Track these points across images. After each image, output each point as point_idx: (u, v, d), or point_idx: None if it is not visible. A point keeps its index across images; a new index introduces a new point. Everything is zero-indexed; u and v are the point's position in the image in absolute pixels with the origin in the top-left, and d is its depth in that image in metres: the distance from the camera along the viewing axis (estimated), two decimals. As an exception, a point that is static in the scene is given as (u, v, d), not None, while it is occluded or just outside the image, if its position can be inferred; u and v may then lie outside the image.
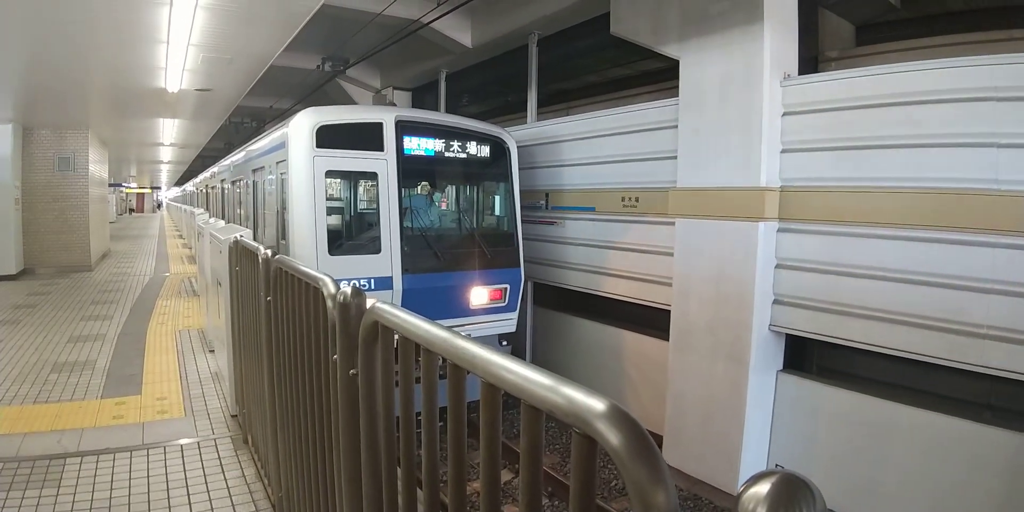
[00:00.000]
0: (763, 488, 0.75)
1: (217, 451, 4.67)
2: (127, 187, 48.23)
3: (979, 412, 6.08)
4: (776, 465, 7.46)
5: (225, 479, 4.19)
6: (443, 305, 8.56)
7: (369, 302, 2.01)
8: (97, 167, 16.51)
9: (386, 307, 1.82)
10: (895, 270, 6.27)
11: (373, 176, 8.43)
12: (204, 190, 25.64)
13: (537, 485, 1.17)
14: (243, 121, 22.59)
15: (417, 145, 8.74)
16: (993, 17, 7.08)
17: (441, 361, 1.53)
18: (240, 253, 4.40)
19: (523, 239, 9.76)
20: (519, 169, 9.80)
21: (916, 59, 6.42)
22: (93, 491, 3.97)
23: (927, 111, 6.06)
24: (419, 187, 9.30)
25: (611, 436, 0.92)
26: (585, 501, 1.03)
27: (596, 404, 0.97)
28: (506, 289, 9.25)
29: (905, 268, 6.20)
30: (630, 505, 0.87)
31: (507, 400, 1.34)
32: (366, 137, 8.35)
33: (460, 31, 12.75)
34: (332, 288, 2.23)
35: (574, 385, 1.04)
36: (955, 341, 5.85)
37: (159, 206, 68.67)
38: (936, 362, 6.06)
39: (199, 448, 4.72)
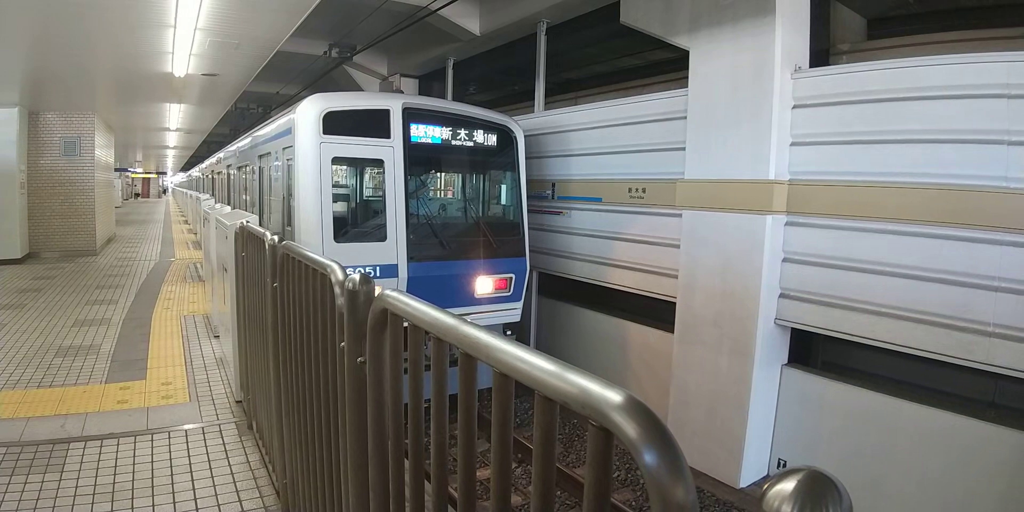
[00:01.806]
0: (789, 485, 0.73)
1: (222, 437, 4.68)
2: (133, 172, 48.24)
3: (983, 410, 6.06)
4: (779, 459, 7.46)
5: (229, 465, 4.20)
6: (448, 294, 8.55)
7: (377, 290, 2.00)
8: (103, 152, 16.51)
9: (395, 294, 1.80)
10: (902, 266, 6.24)
11: (379, 163, 8.41)
12: (210, 175, 25.65)
13: (550, 477, 1.16)
14: (249, 107, 22.55)
15: (424, 133, 8.71)
16: (1007, 13, 7.02)
17: (449, 349, 1.52)
18: (246, 239, 4.38)
19: (529, 229, 9.75)
20: (526, 158, 9.77)
21: (928, 54, 6.37)
22: (96, 476, 3.98)
23: (938, 107, 6.01)
24: (426, 175, 9.27)
25: (628, 428, 0.90)
26: (601, 495, 1.01)
27: (613, 395, 0.95)
28: (511, 278, 9.24)
29: (912, 264, 6.17)
30: (648, 499, 0.86)
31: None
32: (373, 124, 8.33)
33: (468, 18, 12.67)
34: (340, 275, 2.22)
35: (589, 376, 1.02)
36: (961, 338, 5.83)
37: (165, 191, 68.75)
38: (942, 359, 6.04)
39: (203, 433, 4.73)
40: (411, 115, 8.55)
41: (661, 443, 0.88)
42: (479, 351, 1.32)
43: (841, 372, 7.20)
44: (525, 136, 9.81)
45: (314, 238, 7.85)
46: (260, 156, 11.15)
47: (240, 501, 3.73)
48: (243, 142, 14.58)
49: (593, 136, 9.99)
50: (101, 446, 4.43)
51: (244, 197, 14.08)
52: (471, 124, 9.17)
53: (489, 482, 1.35)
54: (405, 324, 1.76)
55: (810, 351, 7.63)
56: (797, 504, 0.71)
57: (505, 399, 1.29)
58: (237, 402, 5.31)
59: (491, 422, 1.33)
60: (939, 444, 6.07)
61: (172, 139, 24.95)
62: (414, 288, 8.28)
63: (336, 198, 8.40)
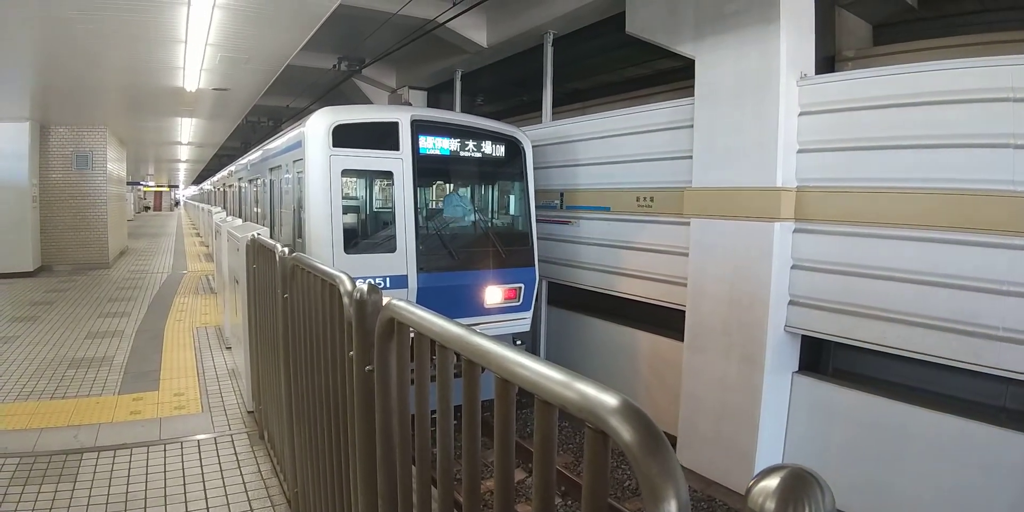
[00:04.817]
0: (772, 482, 0.75)
1: (234, 447, 4.71)
2: (145, 185, 48.44)
3: (994, 414, 6.03)
4: (790, 466, 7.42)
5: (241, 474, 4.23)
6: (458, 304, 8.57)
7: (384, 300, 2.03)
8: (115, 165, 16.65)
9: (402, 304, 1.83)
10: (911, 271, 6.22)
11: (389, 175, 8.46)
12: (221, 188, 25.80)
13: (550, 479, 1.18)
14: (260, 120, 22.66)
15: (432, 144, 8.76)
16: (1011, 18, 7.03)
17: (456, 358, 1.54)
18: (257, 251, 4.43)
19: (538, 238, 9.76)
20: (534, 168, 9.80)
21: (933, 59, 6.37)
22: (109, 486, 4.01)
23: (944, 112, 6.01)
24: (434, 186, 9.30)
25: (623, 431, 0.93)
26: (598, 495, 1.04)
27: (609, 399, 0.98)
28: (520, 288, 9.25)
29: (921, 269, 6.15)
30: (642, 499, 0.88)
31: (520, 399, 1.35)
32: (382, 136, 8.38)
33: (475, 30, 12.76)
34: (349, 285, 2.25)
35: (587, 381, 1.05)
36: (971, 343, 5.81)
37: (177, 204, 69.17)
38: (952, 364, 6.01)
39: (216, 444, 4.76)
40: (420, 127, 8.59)
41: (655, 445, 0.91)
42: (481, 358, 1.35)
43: (852, 379, 7.17)
44: (533, 146, 9.85)
45: (324, 249, 7.89)
46: (271, 169, 11.24)
47: (252, 510, 3.76)
48: (254, 155, 14.69)
49: (600, 146, 10.02)
50: (114, 456, 4.47)
51: (255, 210, 14.17)
52: (479, 135, 9.21)
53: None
54: (412, 334, 1.80)
55: (820, 358, 7.60)
56: (781, 500, 0.74)
57: (507, 404, 1.32)
58: (249, 412, 5.34)
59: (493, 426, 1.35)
60: (951, 449, 6.04)
61: (184, 153, 25.11)
62: (424, 299, 8.31)
63: (346, 210, 8.45)
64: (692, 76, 8.19)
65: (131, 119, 15.01)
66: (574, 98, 13.83)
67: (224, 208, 19.97)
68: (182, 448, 4.66)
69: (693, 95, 8.18)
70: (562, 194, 10.87)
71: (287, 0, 6.60)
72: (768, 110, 7.17)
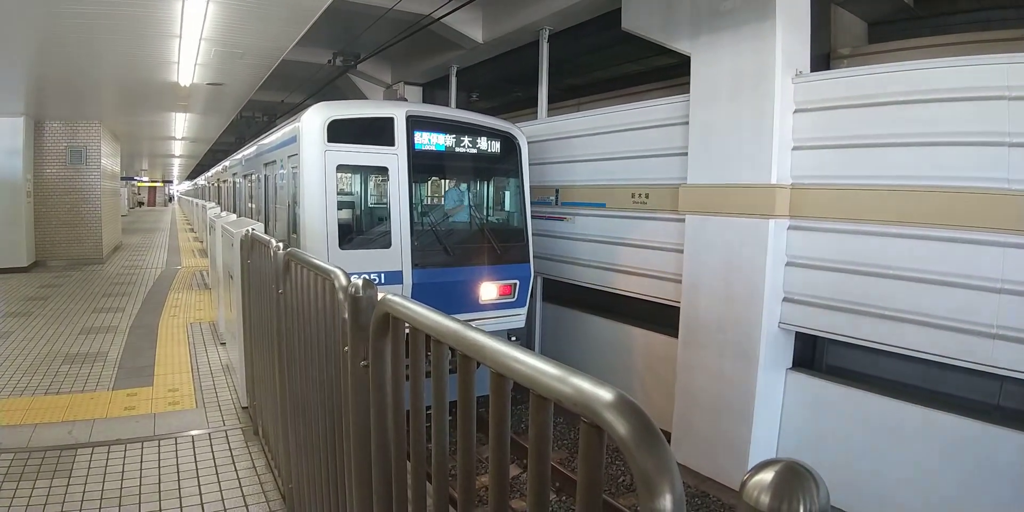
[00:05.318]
0: (767, 476, 0.76)
1: (228, 442, 4.71)
2: (139, 181, 48.21)
3: (988, 412, 6.06)
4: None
5: (236, 470, 4.23)
6: (452, 300, 8.56)
7: (379, 295, 2.03)
8: (109, 160, 16.59)
9: (397, 299, 1.83)
10: (905, 269, 6.24)
11: (384, 171, 8.45)
12: (216, 184, 25.73)
13: (545, 474, 1.18)
14: (254, 115, 22.61)
15: (428, 140, 8.73)
16: (1007, 16, 7.04)
17: (451, 354, 1.54)
18: (252, 246, 4.43)
19: (533, 235, 9.75)
20: (529, 165, 9.79)
21: (929, 57, 6.38)
22: (104, 482, 4.01)
23: (939, 109, 6.02)
24: (430, 182, 9.27)
25: (618, 425, 0.93)
26: (593, 490, 1.04)
27: (604, 394, 0.98)
28: (515, 284, 9.24)
29: (915, 267, 6.17)
30: (637, 494, 0.88)
31: (515, 395, 1.35)
32: (377, 132, 8.35)
33: (471, 26, 12.74)
34: (344, 280, 2.25)
35: (582, 375, 1.05)
36: (964, 341, 5.83)
37: (171, 200, 69.05)
38: (946, 361, 6.04)
39: (210, 439, 4.76)
40: (415, 123, 8.57)
41: (649, 439, 0.91)
42: (476, 353, 1.35)
43: (846, 376, 7.19)
44: (528, 142, 9.82)
45: (319, 245, 7.87)
46: (265, 164, 11.20)
47: (246, 506, 3.76)
48: (248, 151, 14.64)
49: (596, 142, 10.01)
50: (108, 452, 4.46)
51: (250, 205, 14.13)
52: (475, 131, 9.18)
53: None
54: (407, 329, 1.80)
55: (815, 355, 7.62)
56: (775, 494, 0.74)
57: (502, 399, 1.32)
58: (243, 408, 5.34)
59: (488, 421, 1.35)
60: (944, 447, 6.06)
61: (178, 148, 25.08)
62: (419, 294, 8.29)
63: (341, 205, 8.43)
64: (688, 73, 8.19)
65: (125, 114, 14.96)
66: (570, 94, 13.82)
67: (219, 204, 19.90)
68: (176, 444, 4.66)
69: (688, 92, 8.18)
70: (557, 190, 10.86)
71: (282, -5, 6.60)
72: (763, 107, 7.17)
